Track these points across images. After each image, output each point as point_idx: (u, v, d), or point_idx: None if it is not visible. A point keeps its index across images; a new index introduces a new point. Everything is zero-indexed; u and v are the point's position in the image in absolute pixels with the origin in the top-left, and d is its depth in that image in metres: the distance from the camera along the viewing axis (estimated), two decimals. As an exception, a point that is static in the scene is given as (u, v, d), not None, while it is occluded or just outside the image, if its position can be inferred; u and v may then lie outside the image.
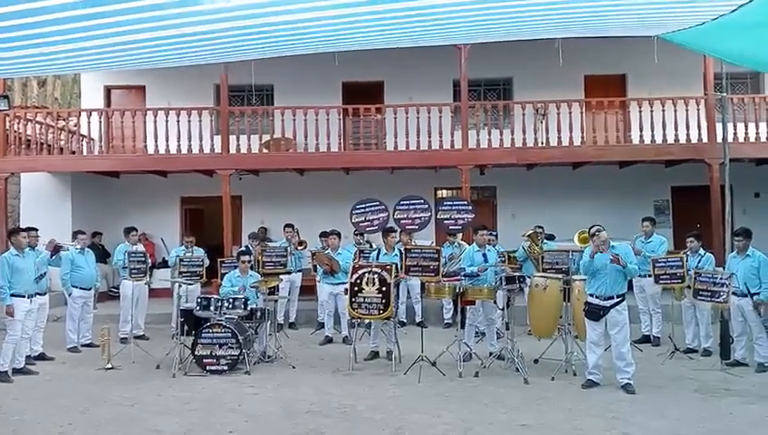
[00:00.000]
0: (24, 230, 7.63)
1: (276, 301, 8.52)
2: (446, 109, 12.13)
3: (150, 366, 7.53)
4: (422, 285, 9.47)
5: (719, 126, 11.04)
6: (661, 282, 7.95)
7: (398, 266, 7.61)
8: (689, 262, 7.80)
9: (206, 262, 9.49)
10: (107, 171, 12.96)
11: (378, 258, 8.02)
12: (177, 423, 5.50)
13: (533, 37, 6.02)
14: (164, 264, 12.06)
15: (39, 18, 3.31)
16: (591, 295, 6.47)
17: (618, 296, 6.36)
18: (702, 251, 8.00)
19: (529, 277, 8.10)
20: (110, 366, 7.46)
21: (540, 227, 9.79)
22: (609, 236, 6.48)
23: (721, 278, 7.07)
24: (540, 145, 11.94)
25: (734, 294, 7.10)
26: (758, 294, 7.01)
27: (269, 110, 12.65)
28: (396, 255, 8.06)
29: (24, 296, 7.16)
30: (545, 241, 9.68)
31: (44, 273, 7.68)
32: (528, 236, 9.33)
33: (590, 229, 6.63)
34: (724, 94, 10.58)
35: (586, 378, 6.46)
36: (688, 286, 7.56)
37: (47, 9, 3.19)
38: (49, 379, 7.15)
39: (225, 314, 7.29)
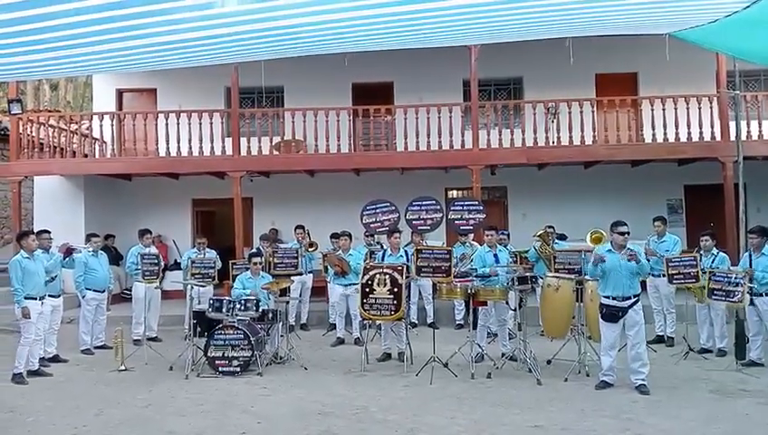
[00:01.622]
0: (33, 233, 7.69)
1: (288, 302, 8.54)
2: (457, 109, 12.10)
3: (163, 368, 7.57)
4: (433, 285, 9.47)
5: (732, 124, 10.93)
6: (675, 281, 7.87)
7: (407, 268, 7.59)
8: (703, 261, 7.73)
9: (218, 264, 9.52)
10: (119, 174, 13.05)
11: (383, 259, 8.01)
12: (190, 425, 5.52)
13: (544, 37, 5.99)
14: (176, 266, 12.12)
15: (52, 23, 3.34)
16: (607, 298, 6.41)
17: (634, 296, 6.32)
18: (715, 250, 7.93)
19: (541, 278, 8.06)
20: (123, 368, 7.51)
21: (551, 226, 9.74)
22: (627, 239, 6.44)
23: (736, 278, 7.00)
24: (551, 144, 11.88)
25: (749, 293, 7.03)
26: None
27: (279, 111, 12.68)
28: (401, 255, 8.06)
29: (35, 299, 7.21)
30: (556, 241, 9.63)
31: (55, 276, 7.74)
32: (539, 236, 9.28)
33: (616, 227, 6.54)
34: (738, 92, 10.48)
35: (600, 379, 6.41)
36: (703, 287, 7.49)
37: (59, 14, 3.22)
38: (63, 381, 7.20)
39: (237, 315, 7.32)
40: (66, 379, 7.28)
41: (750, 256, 7.25)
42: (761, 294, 7.04)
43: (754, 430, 5.14)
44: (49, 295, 7.62)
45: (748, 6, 4.19)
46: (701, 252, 7.92)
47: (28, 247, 7.31)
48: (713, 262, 7.72)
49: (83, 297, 8.69)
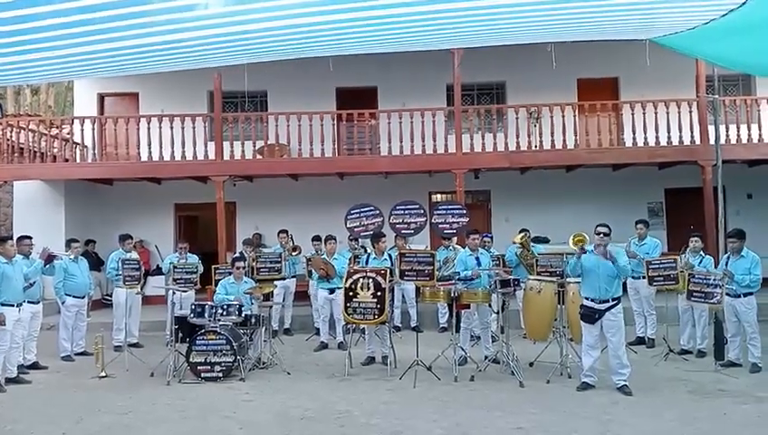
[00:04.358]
0: (11, 238, 7.59)
1: (271, 307, 8.51)
2: (440, 113, 12.16)
3: (144, 374, 7.50)
4: (417, 289, 9.47)
5: (711, 128, 11.11)
6: (655, 284, 7.98)
7: (392, 271, 7.61)
8: (692, 261, 7.80)
9: (201, 269, 9.47)
10: (100, 179, 12.94)
11: (367, 263, 8.02)
12: (171, 431, 5.48)
13: (526, 41, 6.04)
14: (158, 271, 12.03)
15: (30, 25, 3.31)
16: (586, 298, 6.48)
17: (613, 299, 6.37)
18: (702, 253, 8.02)
19: (523, 281, 8.11)
20: (103, 374, 7.43)
21: (525, 229, 9.79)
22: (608, 241, 6.51)
23: (714, 279, 7.10)
24: (533, 148, 11.98)
25: (727, 294, 7.13)
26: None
27: (263, 116, 12.67)
28: (385, 259, 8.07)
29: (11, 305, 7.09)
30: (533, 245, 9.68)
31: (34, 282, 7.64)
32: (520, 243, 9.32)
33: (596, 228, 6.62)
34: (716, 96, 10.64)
35: (581, 381, 6.46)
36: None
37: (37, 16, 3.19)
38: (42, 388, 7.11)
39: (219, 320, 7.27)
40: (46, 386, 7.19)
41: (728, 258, 7.35)
42: (739, 296, 7.15)
43: (733, 430, 5.20)
44: (28, 302, 7.51)
45: (725, 14, 4.27)
46: (687, 252, 8.00)
47: (6, 253, 7.20)
48: (699, 263, 7.81)
49: (63, 303, 8.59)
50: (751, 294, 7.13)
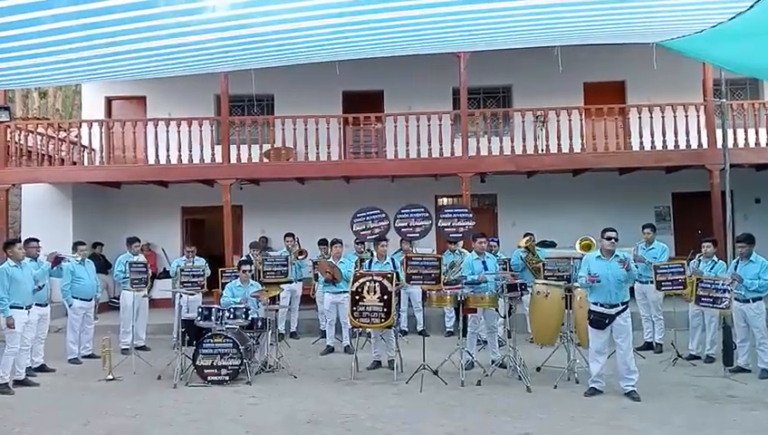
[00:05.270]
0: (20, 241, 7.63)
1: (277, 310, 8.52)
2: (446, 117, 12.15)
3: (152, 377, 7.51)
4: (423, 293, 9.46)
5: (719, 132, 11.04)
6: (663, 288, 7.94)
7: (398, 275, 7.61)
8: (702, 266, 7.76)
9: (207, 272, 9.48)
10: (108, 182, 12.99)
11: (370, 267, 8.02)
12: (178, 434, 5.48)
13: (532, 45, 6.03)
14: (165, 274, 12.05)
15: (35, 29, 3.32)
16: (595, 304, 6.44)
17: (622, 304, 6.35)
18: (715, 258, 7.96)
19: (530, 285, 8.08)
20: (111, 377, 7.45)
21: (530, 233, 9.77)
22: (616, 245, 6.48)
23: (723, 284, 7.06)
24: (540, 152, 11.95)
25: (736, 299, 7.09)
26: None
27: (269, 119, 12.68)
28: (387, 263, 8.07)
29: (21, 308, 7.13)
30: (539, 248, 9.64)
31: (43, 285, 7.67)
32: (526, 247, 9.29)
33: (602, 232, 6.59)
34: (724, 100, 10.58)
35: (589, 386, 6.43)
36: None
37: (42, 20, 3.20)
38: (50, 390, 7.13)
39: (226, 323, 7.28)
40: (53, 389, 7.21)
41: (737, 263, 7.31)
42: (747, 301, 7.10)
43: (742, 436, 5.17)
44: (36, 304, 7.53)
45: (733, 18, 4.25)
46: (700, 257, 7.95)
47: (15, 256, 7.24)
48: (711, 269, 7.76)
49: (70, 306, 8.61)
50: (760, 299, 7.10)
